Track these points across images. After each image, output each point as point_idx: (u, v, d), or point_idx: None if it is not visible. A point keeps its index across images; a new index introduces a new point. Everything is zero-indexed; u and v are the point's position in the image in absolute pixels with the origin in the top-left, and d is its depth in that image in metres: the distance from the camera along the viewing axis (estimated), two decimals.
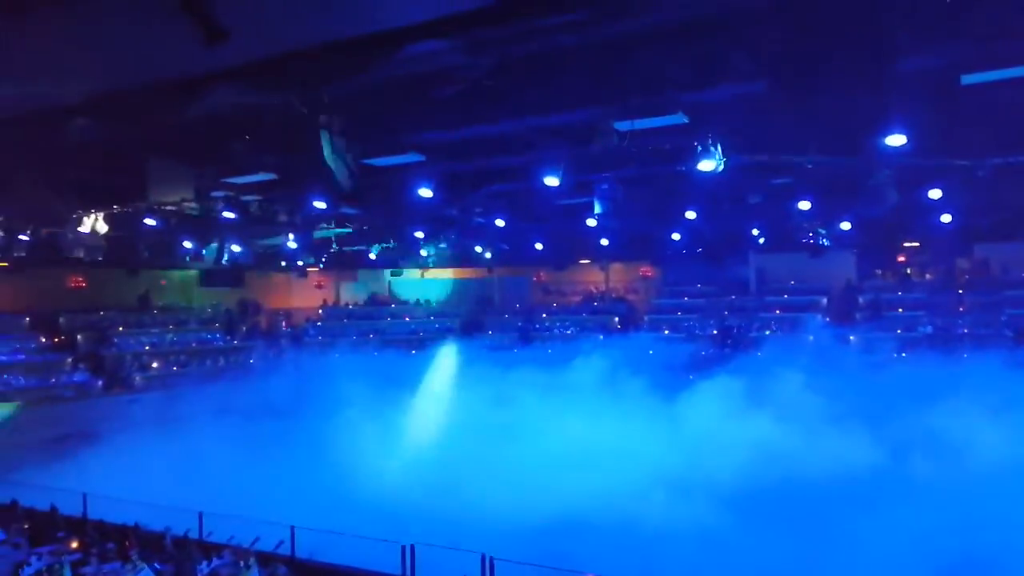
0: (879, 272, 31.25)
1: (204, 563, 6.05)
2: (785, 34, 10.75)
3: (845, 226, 24.04)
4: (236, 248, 26.92)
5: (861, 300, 30.40)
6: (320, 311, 36.95)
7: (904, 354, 25.72)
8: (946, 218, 22.53)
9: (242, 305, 34.95)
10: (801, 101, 12.11)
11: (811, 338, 27.48)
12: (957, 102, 12.85)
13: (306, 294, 37.45)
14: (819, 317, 30.30)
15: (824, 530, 13.28)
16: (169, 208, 21.17)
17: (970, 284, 29.06)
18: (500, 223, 25.33)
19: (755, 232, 27.05)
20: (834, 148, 16.00)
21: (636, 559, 12.31)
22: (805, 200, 20.43)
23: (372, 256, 31.65)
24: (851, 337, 28.07)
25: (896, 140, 13.82)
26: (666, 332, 31.78)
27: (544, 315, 35.73)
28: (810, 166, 16.77)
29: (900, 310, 28.91)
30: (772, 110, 13.48)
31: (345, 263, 34.50)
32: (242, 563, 4.97)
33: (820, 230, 24.18)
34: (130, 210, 21.08)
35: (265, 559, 6.95)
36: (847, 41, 10.32)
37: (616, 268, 36.51)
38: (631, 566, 11.48)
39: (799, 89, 11.27)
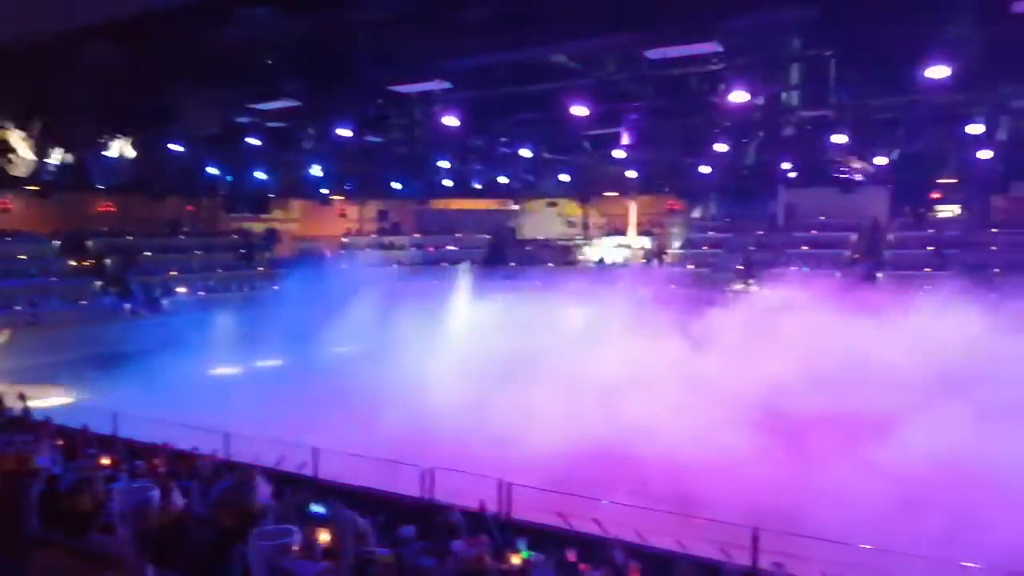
0: (907, 209, 30.62)
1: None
2: None
3: (880, 160, 23.24)
4: (260, 175, 26.86)
5: (890, 237, 29.90)
6: (343, 239, 37.06)
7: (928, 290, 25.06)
8: (984, 154, 21.74)
9: (267, 232, 35.18)
10: (842, 29, 11.62)
11: (837, 275, 27.11)
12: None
13: (329, 222, 37.54)
14: (847, 253, 29.91)
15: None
16: (195, 134, 21.08)
17: (1004, 222, 28.35)
18: (525, 153, 24.98)
19: (786, 166, 26.42)
20: (874, 81, 15.45)
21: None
22: (840, 134, 19.80)
23: (396, 185, 31.42)
24: (878, 275, 27.73)
25: (938, 72, 13.29)
26: (690, 267, 31.58)
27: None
28: (848, 100, 16.23)
29: (929, 248, 28.26)
30: (811, 40, 12.99)
31: (369, 191, 34.41)
32: (250, 480, 5.04)
33: (853, 164, 23.47)
34: (157, 136, 21.02)
35: (287, 479, 7.12)
36: None
37: (642, 200, 36.06)
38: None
39: (841, 17, 10.79)
